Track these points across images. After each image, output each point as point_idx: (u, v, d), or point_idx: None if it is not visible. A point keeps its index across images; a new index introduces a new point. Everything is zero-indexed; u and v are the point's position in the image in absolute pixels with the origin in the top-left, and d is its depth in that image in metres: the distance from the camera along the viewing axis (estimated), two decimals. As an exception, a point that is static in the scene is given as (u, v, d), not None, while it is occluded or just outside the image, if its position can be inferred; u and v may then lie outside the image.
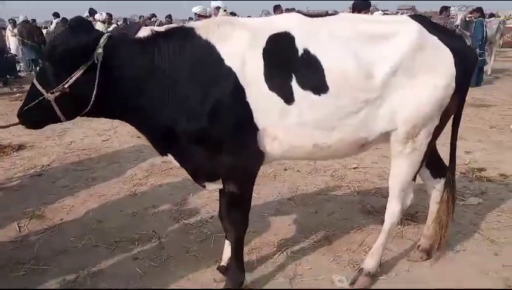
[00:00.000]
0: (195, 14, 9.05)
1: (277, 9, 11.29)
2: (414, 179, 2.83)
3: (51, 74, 2.31)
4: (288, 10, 11.78)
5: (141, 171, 5.15)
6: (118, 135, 6.86)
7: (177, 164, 2.65)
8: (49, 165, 5.46)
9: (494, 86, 11.18)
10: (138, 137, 6.56)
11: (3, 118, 7.83)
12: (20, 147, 6.18)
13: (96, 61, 2.26)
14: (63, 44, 2.26)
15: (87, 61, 2.25)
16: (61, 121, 2.43)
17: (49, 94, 2.28)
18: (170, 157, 2.62)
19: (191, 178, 4.75)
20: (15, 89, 11.43)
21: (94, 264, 3.19)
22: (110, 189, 4.64)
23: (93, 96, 2.29)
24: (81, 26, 2.32)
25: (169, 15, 14.69)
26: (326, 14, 2.88)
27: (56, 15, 15.18)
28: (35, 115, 2.40)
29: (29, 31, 13.99)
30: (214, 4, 8.34)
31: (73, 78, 2.26)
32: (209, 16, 8.68)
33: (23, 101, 2.45)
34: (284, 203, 4.23)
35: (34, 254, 3.36)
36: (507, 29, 17.01)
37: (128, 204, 4.26)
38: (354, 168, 5.08)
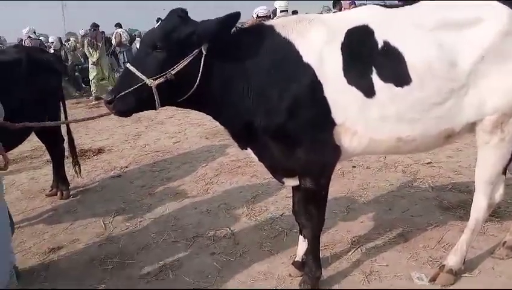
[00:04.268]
0: (256, 15, 9.14)
1: (337, 4, 10.91)
2: (504, 172, 2.67)
3: (156, 60, 2.28)
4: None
5: (212, 171, 5.33)
6: (187, 137, 7.13)
7: (256, 158, 2.70)
8: (127, 167, 5.81)
9: None
10: (207, 138, 6.81)
11: (83, 125, 8.40)
12: (100, 151, 6.63)
13: (203, 51, 2.30)
14: (176, 31, 2.28)
15: (196, 51, 2.29)
16: (154, 109, 2.39)
17: (152, 80, 2.27)
18: (249, 151, 2.67)
19: (258, 176, 4.84)
20: (90, 97, 12.26)
21: (174, 259, 3.37)
22: (184, 188, 4.85)
23: (194, 86, 2.32)
24: (187, 17, 2.36)
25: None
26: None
27: (118, 25, 15.91)
28: (130, 102, 2.32)
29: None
30: (277, 4, 8.35)
31: (181, 66, 2.27)
32: (270, 17, 8.73)
33: (112, 89, 2.44)
34: (354, 200, 4.17)
35: (120, 249, 3.60)
36: None
37: (202, 202, 4.43)
38: (428, 163, 4.88)
